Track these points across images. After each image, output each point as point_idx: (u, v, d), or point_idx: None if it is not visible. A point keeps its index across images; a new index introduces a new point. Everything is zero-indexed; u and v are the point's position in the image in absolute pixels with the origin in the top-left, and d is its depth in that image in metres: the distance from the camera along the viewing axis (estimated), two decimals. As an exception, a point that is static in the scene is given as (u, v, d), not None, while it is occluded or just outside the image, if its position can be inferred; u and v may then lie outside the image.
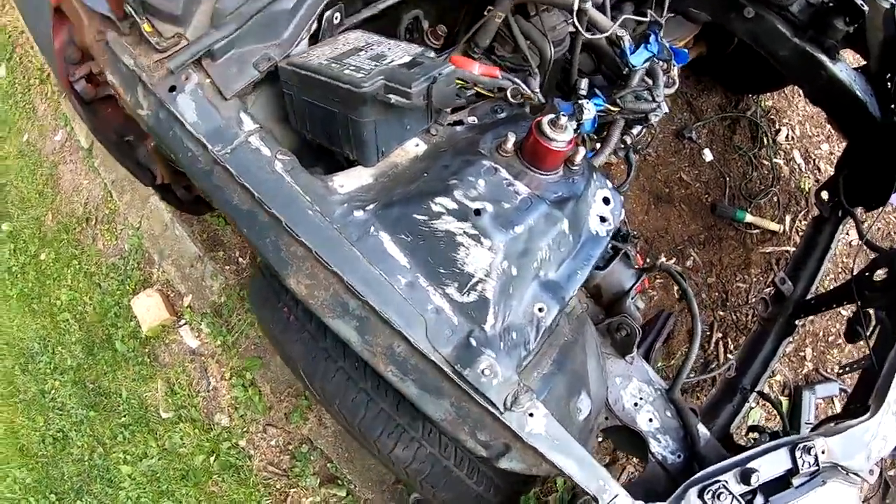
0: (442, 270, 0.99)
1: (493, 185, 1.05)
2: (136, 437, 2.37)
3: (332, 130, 1.11)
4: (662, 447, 1.46)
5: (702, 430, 1.50)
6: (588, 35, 1.47)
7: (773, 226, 2.81)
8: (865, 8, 2.04)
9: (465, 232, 0.99)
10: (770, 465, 1.26)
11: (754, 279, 2.74)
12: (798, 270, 2.53)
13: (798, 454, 1.26)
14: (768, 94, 3.07)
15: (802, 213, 2.90)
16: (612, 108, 1.59)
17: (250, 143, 1.10)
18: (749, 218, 2.77)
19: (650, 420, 1.48)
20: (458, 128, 1.23)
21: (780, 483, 1.28)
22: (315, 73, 1.05)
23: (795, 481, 1.28)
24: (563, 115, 1.05)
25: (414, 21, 1.52)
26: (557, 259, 1.08)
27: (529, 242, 1.04)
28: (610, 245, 1.45)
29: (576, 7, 1.41)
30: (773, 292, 2.45)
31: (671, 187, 2.79)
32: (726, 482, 1.20)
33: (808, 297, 2.44)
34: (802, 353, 2.72)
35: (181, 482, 2.33)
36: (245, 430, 2.37)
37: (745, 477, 1.22)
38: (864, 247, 2.26)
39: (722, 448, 1.52)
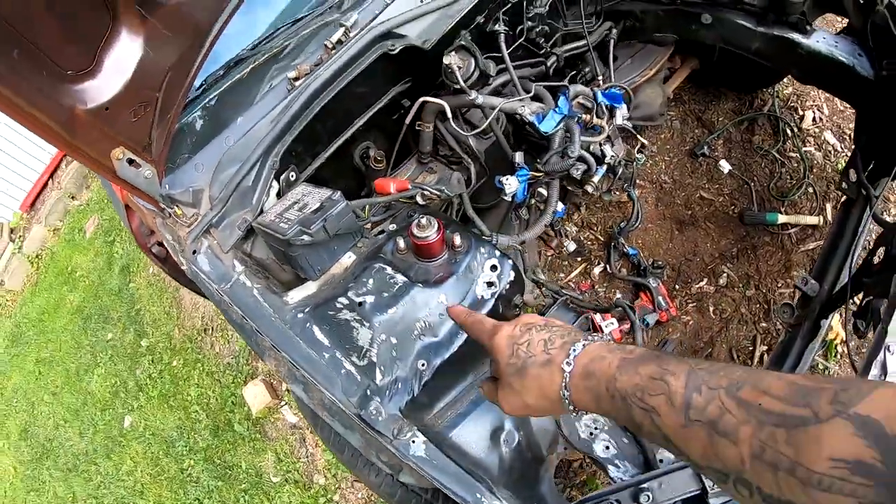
0: (347, 346, 1.60)
1: (378, 281, 1.66)
2: (254, 499, 3.22)
3: (287, 260, 1.83)
4: (622, 472, 1.66)
5: (665, 452, 1.66)
6: (483, 125, 2.01)
7: (812, 219, 2.95)
8: None
9: (354, 319, 1.61)
10: (682, 484, 1.43)
11: (797, 279, 2.93)
12: (826, 265, 2.58)
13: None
14: (783, 80, 3.20)
15: (844, 197, 3.00)
16: (537, 175, 2.05)
17: (240, 280, 1.84)
18: (782, 218, 2.95)
19: (607, 447, 1.71)
20: (381, 236, 1.89)
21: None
22: (266, 227, 1.79)
23: (712, 501, 1.41)
24: (423, 218, 1.66)
25: (365, 150, 2.22)
26: (440, 325, 1.63)
27: (405, 319, 1.61)
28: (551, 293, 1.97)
29: (476, 101, 1.98)
30: (798, 296, 2.64)
31: (693, 208, 3.08)
32: (618, 501, 1.45)
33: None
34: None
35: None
36: (337, 486, 3.12)
37: (635, 497, 1.43)
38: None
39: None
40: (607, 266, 3.06)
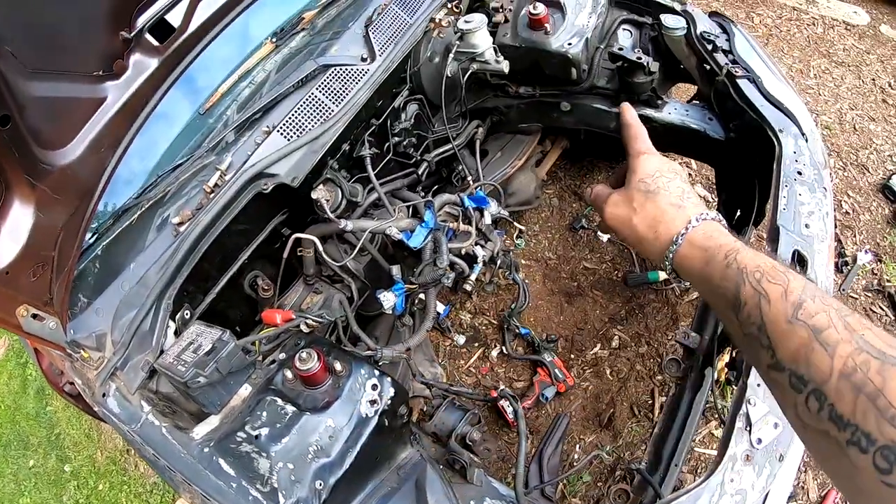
0: (251, 475, 1.83)
1: (271, 413, 1.87)
2: None
3: (188, 397, 2.08)
4: None
5: None
6: (355, 250, 2.30)
7: None
8: (644, 60, 2.42)
9: (253, 450, 1.85)
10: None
11: (678, 334, 3.29)
12: (705, 314, 2.89)
13: None
14: None
15: None
16: (411, 286, 2.34)
17: (149, 419, 2.05)
18: (663, 275, 3.30)
19: None
20: (272, 365, 2.16)
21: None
22: (167, 370, 2.02)
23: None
24: (303, 352, 1.94)
25: (254, 279, 2.50)
26: (331, 446, 1.86)
27: (299, 445, 1.83)
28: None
29: (346, 228, 2.27)
30: (682, 350, 2.92)
31: (579, 279, 3.40)
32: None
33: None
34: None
35: None
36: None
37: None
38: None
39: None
40: (503, 348, 3.37)
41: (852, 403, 0.62)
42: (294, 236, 2.26)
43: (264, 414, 1.94)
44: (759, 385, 1.89)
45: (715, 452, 3.00)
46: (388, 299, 2.27)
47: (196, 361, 1.94)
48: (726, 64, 2.46)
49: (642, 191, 1.01)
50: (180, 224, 2.20)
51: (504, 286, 3.45)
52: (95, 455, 3.96)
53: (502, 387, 3.22)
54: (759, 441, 1.80)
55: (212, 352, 1.96)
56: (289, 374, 2.01)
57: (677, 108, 2.68)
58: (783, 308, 0.74)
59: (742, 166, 2.62)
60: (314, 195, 2.20)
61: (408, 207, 2.41)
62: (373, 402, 2.00)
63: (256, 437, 1.89)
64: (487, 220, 2.57)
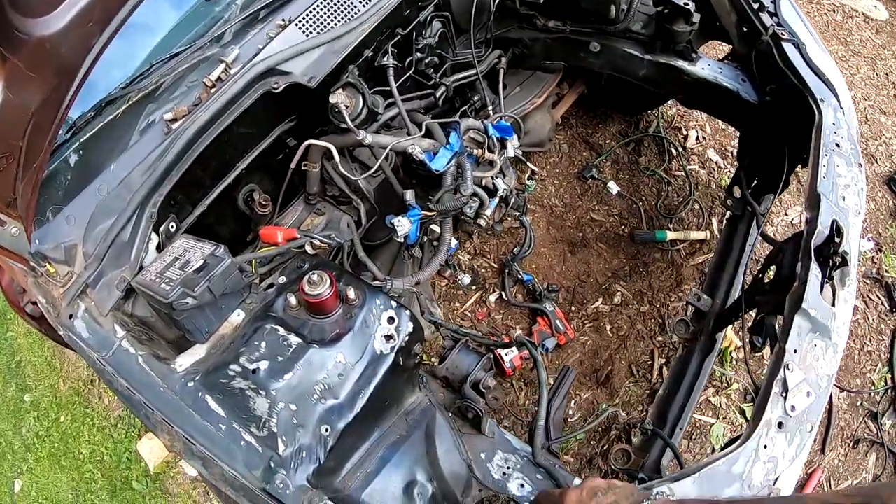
0: (244, 416, 1.45)
1: (271, 344, 1.52)
2: (164, 562, 2.97)
3: (171, 322, 1.67)
4: None
5: (578, 483, 1.59)
6: (374, 167, 1.91)
7: (699, 234, 3.06)
8: (691, 5, 2.19)
9: (249, 387, 1.46)
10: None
11: (689, 295, 3.04)
12: (717, 280, 2.70)
13: None
14: (668, 103, 3.30)
15: (728, 212, 3.15)
16: (429, 214, 1.96)
17: (122, 346, 1.64)
18: (671, 235, 3.03)
19: (521, 486, 1.66)
20: (270, 290, 1.75)
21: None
22: (147, 288, 1.61)
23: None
24: (314, 274, 1.55)
25: (249, 193, 2.07)
26: (339, 385, 1.52)
27: (303, 383, 1.48)
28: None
29: (364, 141, 1.87)
30: (692, 312, 2.65)
31: (584, 230, 3.11)
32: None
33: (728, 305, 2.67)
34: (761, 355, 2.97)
35: None
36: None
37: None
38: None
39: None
40: (503, 293, 3.03)
41: None
42: (307, 142, 1.85)
43: (263, 345, 1.56)
44: (795, 351, 1.69)
45: (711, 420, 2.81)
46: (403, 225, 1.89)
47: (184, 279, 1.54)
48: (772, 25, 2.22)
49: None
50: (173, 121, 1.79)
51: (507, 229, 3.08)
52: (58, 385, 3.51)
53: (518, 332, 2.89)
54: (793, 409, 1.62)
55: (203, 269, 1.56)
56: (292, 300, 1.62)
57: (710, 65, 2.41)
58: None
59: (772, 132, 2.39)
60: (333, 99, 1.81)
61: (430, 127, 2.00)
62: (388, 338, 1.65)
63: (254, 371, 1.52)
64: (510, 152, 2.22)
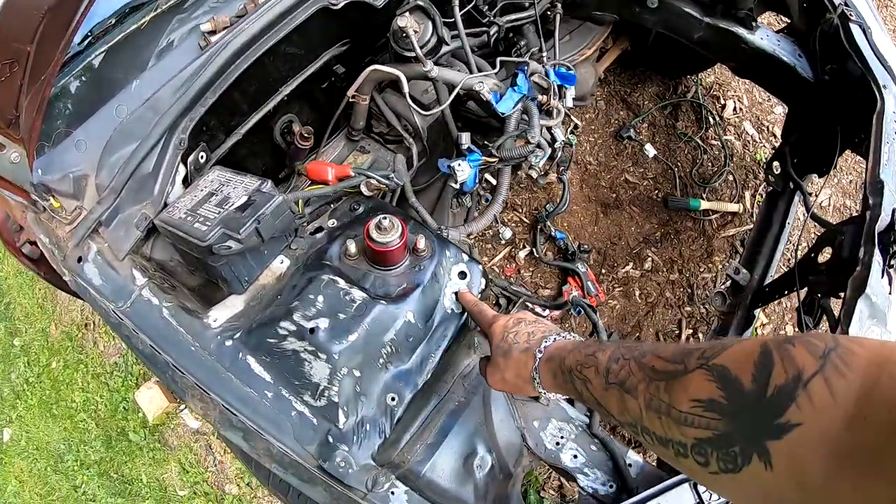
0: (296, 382, 1.19)
1: (330, 298, 1.25)
2: (159, 516, 2.71)
3: (203, 269, 1.36)
4: (592, 480, 1.48)
5: (634, 457, 1.52)
6: (445, 103, 1.65)
7: (732, 206, 2.84)
8: None
9: (305, 349, 1.19)
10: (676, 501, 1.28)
11: (720, 266, 2.78)
12: (755, 254, 2.51)
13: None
14: (708, 70, 3.06)
15: (762, 186, 2.89)
16: (490, 160, 1.69)
17: (143, 296, 1.34)
18: (705, 204, 2.81)
19: (574, 457, 1.51)
20: (319, 234, 1.44)
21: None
22: (177, 228, 1.30)
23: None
24: (384, 218, 1.27)
25: (287, 125, 1.76)
26: (408, 348, 1.27)
27: (369, 344, 1.22)
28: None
29: (430, 73, 1.57)
30: (729, 284, 2.49)
31: (618, 191, 2.87)
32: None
33: (767, 281, 2.50)
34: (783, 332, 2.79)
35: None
36: (253, 496, 2.67)
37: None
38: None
39: (661, 472, 1.49)
40: (533, 250, 2.77)
41: (661, 425, 0.65)
42: (372, 67, 1.52)
43: (321, 299, 1.27)
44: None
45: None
46: (464, 171, 1.60)
47: (224, 218, 1.24)
48: (840, 4, 2.06)
49: (501, 354, 1.06)
50: (212, 33, 1.47)
51: (541, 184, 2.79)
52: (49, 329, 3.17)
53: (574, 293, 2.62)
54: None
55: (248, 206, 1.25)
56: (352, 247, 1.32)
57: (769, 36, 2.23)
58: (599, 382, 0.79)
59: (825, 112, 2.22)
60: (401, 23, 1.49)
61: (480, 65, 1.70)
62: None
63: (311, 330, 1.22)
64: (568, 101, 1.92)
